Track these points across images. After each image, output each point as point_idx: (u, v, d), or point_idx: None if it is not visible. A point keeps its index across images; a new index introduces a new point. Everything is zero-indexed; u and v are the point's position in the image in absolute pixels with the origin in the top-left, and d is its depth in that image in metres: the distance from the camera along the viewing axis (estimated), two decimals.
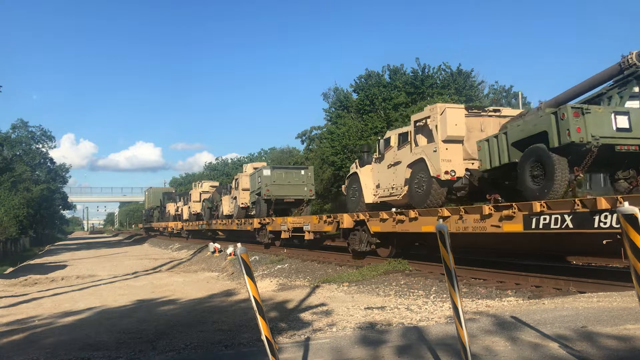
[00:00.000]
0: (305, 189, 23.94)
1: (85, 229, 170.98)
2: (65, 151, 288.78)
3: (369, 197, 15.84)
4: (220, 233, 35.13)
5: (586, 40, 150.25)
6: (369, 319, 7.84)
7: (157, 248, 42.76)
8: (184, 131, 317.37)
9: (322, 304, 9.59)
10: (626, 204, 3.31)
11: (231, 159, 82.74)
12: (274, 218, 22.77)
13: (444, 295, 9.56)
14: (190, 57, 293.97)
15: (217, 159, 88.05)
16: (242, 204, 27.94)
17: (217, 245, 25.19)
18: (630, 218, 3.16)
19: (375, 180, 15.80)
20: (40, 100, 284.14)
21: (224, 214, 31.08)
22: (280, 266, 17.26)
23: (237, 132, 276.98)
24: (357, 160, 17.72)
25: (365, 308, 8.82)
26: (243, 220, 26.04)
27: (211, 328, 8.13)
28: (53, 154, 59.97)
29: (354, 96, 39.84)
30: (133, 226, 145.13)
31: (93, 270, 22.27)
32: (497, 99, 40.68)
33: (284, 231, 20.77)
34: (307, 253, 19.57)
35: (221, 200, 31.87)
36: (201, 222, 35.18)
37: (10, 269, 27.98)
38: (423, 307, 8.59)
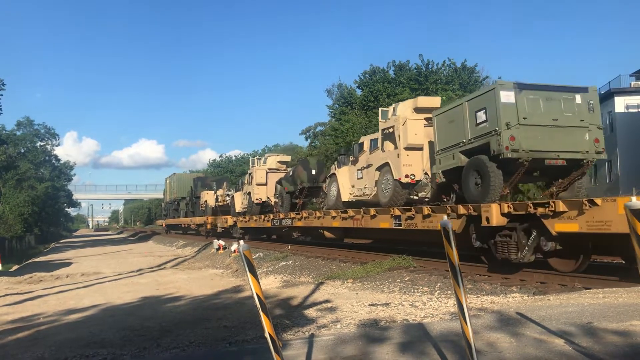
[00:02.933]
0: (587, 136, 10.92)
1: (90, 226, 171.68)
2: (68, 149, 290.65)
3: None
4: (328, 234, 19.19)
5: (588, 39, 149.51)
6: (373, 315, 7.82)
7: (161, 245, 42.89)
8: (185, 128, 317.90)
9: (326, 301, 9.58)
10: (634, 199, 3.27)
11: (235, 156, 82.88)
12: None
13: (449, 292, 9.53)
14: (192, 54, 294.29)
15: (220, 156, 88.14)
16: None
17: (222, 242, 25.22)
18: (638, 213, 3.13)
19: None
20: (43, 99, 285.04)
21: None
22: (284, 263, 17.27)
23: (240, 129, 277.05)
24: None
25: (369, 305, 8.80)
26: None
27: (215, 325, 8.13)
28: (57, 152, 59.56)
29: (358, 92, 39.78)
30: (138, 223, 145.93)
31: (98, 268, 22.35)
32: None
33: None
34: (311, 249, 19.57)
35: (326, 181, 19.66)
36: (277, 216, 22.47)
37: (16, 267, 28.14)
38: (427, 304, 8.56)
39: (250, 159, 27.39)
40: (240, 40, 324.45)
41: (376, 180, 15.19)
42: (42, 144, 56.93)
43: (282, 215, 21.71)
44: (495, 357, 4.46)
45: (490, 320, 5.97)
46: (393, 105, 15.53)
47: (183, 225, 45.33)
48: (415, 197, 14.34)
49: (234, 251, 20.87)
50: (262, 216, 24.20)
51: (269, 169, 25.92)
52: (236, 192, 29.84)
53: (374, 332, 5.96)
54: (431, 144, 13.23)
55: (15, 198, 45.05)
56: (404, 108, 14.66)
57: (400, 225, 13.15)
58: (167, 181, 55.25)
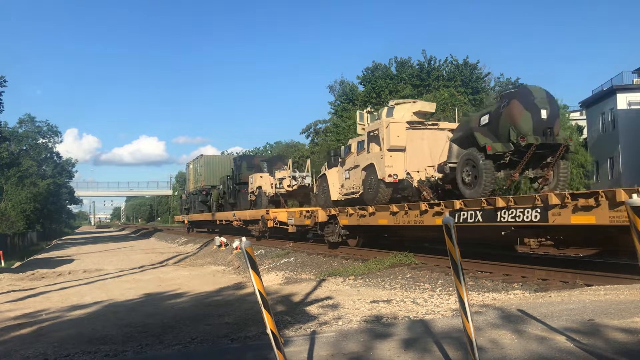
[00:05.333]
0: None
1: (92, 223, 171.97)
2: (69, 146, 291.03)
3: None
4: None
5: (591, 35, 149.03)
6: (375, 312, 7.83)
7: (163, 242, 42.94)
8: (186, 125, 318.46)
9: (328, 297, 9.60)
10: (634, 196, 3.27)
11: (236, 152, 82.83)
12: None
13: (450, 289, 9.54)
14: (192, 50, 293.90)
15: (222, 152, 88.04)
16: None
17: (223, 239, 25.25)
18: (638, 209, 3.13)
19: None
20: (43, 95, 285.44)
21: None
22: (286, 260, 17.29)
23: (241, 126, 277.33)
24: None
25: (371, 301, 8.82)
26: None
27: (217, 322, 8.15)
28: (58, 149, 59.41)
29: (360, 89, 39.74)
30: (140, 220, 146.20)
31: (100, 264, 22.40)
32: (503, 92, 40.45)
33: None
34: (312, 246, 19.60)
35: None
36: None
37: (18, 263, 28.22)
38: (429, 301, 8.57)
39: (358, 114, 17.64)
40: (241, 37, 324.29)
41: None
42: (44, 141, 57.01)
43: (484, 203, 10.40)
44: (497, 354, 4.46)
45: (491, 317, 5.97)
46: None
47: (218, 222, 31.89)
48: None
49: (236, 248, 20.90)
50: (407, 206, 12.97)
51: (408, 123, 15.10)
52: (329, 168, 18.64)
53: (376, 328, 5.97)
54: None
55: (18, 195, 45.13)
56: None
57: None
58: (190, 167, 42.87)
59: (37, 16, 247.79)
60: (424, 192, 13.94)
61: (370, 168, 15.38)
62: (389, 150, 14.58)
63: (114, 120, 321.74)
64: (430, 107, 16.61)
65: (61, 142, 59.44)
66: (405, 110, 15.68)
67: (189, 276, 16.50)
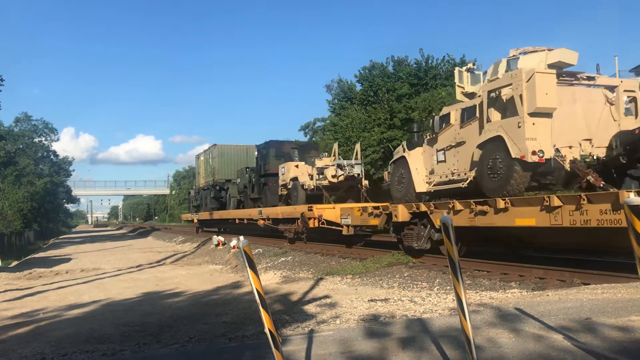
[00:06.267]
0: None
1: (90, 222, 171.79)
2: (66, 145, 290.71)
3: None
4: None
5: (589, 34, 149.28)
6: (373, 311, 7.84)
7: (160, 241, 42.90)
8: (182, 124, 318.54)
9: (326, 296, 9.60)
10: (632, 195, 3.28)
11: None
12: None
13: (448, 287, 9.55)
14: (189, 49, 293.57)
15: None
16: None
17: (221, 238, 25.23)
18: (635, 209, 3.14)
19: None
20: (40, 94, 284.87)
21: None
22: (284, 259, 17.29)
23: (237, 125, 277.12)
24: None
25: (368, 300, 8.82)
26: None
27: (215, 321, 8.15)
28: (54, 147, 59.08)
29: (358, 87, 39.73)
30: (137, 219, 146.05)
31: (97, 264, 22.38)
32: None
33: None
34: (310, 246, 19.60)
35: None
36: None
37: (15, 263, 28.15)
38: (427, 299, 8.58)
39: (457, 72, 13.82)
40: (238, 36, 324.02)
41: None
42: (40, 139, 56.83)
43: None
44: (494, 352, 4.47)
45: (489, 316, 5.98)
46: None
47: (237, 221, 27.60)
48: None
49: (234, 247, 20.88)
50: (585, 197, 8.77)
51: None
52: (410, 149, 14.48)
53: (374, 327, 5.97)
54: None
55: (15, 194, 45.02)
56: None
57: None
58: (201, 159, 38.30)
59: (34, 15, 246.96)
60: (589, 177, 9.85)
61: (493, 143, 11.03)
62: (532, 115, 10.20)
63: (111, 119, 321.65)
64: (571, 57, 11.42)
65: (57, 140, 59.15)
66: (535, 62, 11.10)
67: (186, 275, 16.49)
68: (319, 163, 20.81)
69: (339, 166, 19.46)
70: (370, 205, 15.41)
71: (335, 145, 21.19)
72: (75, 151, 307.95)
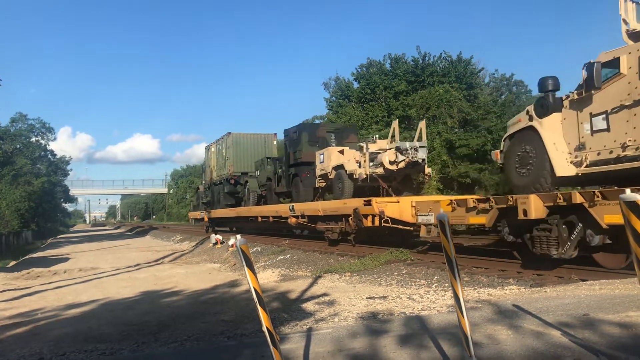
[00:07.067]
0: None
1: (87, 221, 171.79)
2: (63, 144, 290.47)
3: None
4: None
5: (586, 28, 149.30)
6: (371, 308, 7.85)
7: (159, 240, 42.88)
8: (179, 122, 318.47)
9: (324, 294, 9.61)
10: (628, 191, 3.27)
11: None
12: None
13: (446, 284, 9.57)
14: (186, 48, 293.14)
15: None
16: None
17: (219, 237, 25.23)
18: (632, 205, 3.14)
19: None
20: (37, 94, 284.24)
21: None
22: (282, 257, 17.29)
23: (235, 123, 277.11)
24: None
25: (367, 298, 8.83)
26: None
27: (214, 319, 8.15)
28: (52, 147, 58.86)
29: (355, 85, 39.74)
30: (135, 218, 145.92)
31: (95, 263, 22.36)
32: (498, 88, 40.56)
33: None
34: (308, 243, 19.60)
35: None
36: None
37: (13, 263, 28.13)
38: (425, 297, 8.60)
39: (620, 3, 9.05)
40: (235, 34, 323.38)
41: None
42: (37, 139, 56.69)
43: None
44: (493, 349, 4.48)
45: (487, 313, 5.99)
46: None
47: (260, 220, 24.08)
48: None
49: (232, 246, 20.86)
50: None
51: None
52: (543, 116, 10.41)
53: (372, 325, 5.97)
54: None
55: (12, 194, 44.91)
56: None
57: None
58: (212, 150, 34.64)
59: (30, 15, 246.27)
60: None
61: None
62: None
63: (107, 118, 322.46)
64: None
65: (55, 139, 59.01)
66: None
67: (184, 274, 16.48)
68: (373, 146, 16.80)
69: (399, 150, 15.65)
70: (471, 197, 11.69)
71: (395, 124, 16.87)
72: (72, 150, 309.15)
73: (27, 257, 32.45)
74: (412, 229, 14.04)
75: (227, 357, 5.05)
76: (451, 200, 11.68)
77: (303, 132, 21.19)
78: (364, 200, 14.84)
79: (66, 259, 26.22)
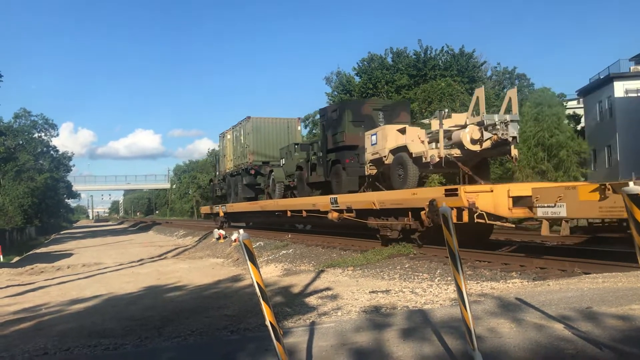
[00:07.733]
0: None
1: (91, 217, 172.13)
2: (65, 140, 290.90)
3: None
4: None
5: (588, 22, 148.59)
6: (374, 302, 7.85)
7: (162, 235, 42.96)
8: (182, 118, 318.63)
9: (327, 288, 9.62)
10: (631, 184, 3.26)
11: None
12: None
13: (449, 278, 9.56)
14: (188, 43, 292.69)
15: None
16: None
17: (222, 232, 25.26)
18: (635, 198, 3.13)
19: None
20: (38, 90, 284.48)
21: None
22: (285, 251, 17.32)
23: (237, 118, 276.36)
24: None
25: (370, 292, 8.84)
26: None
27: (217, 314, 8.17)
28: (54, 143, 59.02)
29: (357, 80, 39.67)
30: (138, 214, 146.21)
31: (99, 258, 22.42)
32: (500, 81, 40.44)
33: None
34: (311, 238, 19.61)
35: None
36: None
37: (17, 258, 28.24)
38: (428, 290, 8.60)
39: None
40: (236, 29, 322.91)
41: None
42: (40, 135, 56.81)
43: None
44: (495, 342, 4.48)
45: (490, 306, 5.99)
46: None
47: (289, 215, 20.56)
48: None
49: (235, 240, 20.87)
50: None
51: None
52: None
53: (375, 318, 5.98)
54: None
55: (15, 190, 45.06)
56: None
57: None
58: (228, 137, 31.05)
59: (32, 10, 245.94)
60: None
61: None
62: None
63: (109, 114, 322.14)
64: None
65: (57, 135, 59.12)
66: None
67: (188, 269, 16.52)
68: (448, 123, 13.34)
69: (483, 125, 12.19)
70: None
71: (480, 91, 12.78)
72: (74, 146, 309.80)
73: (30, 252, 32.56)
74: (505, 224, 11.44)
75: (230, 351, 5.06)
76: (601, 185, 8.38)
77: (346, 110, 17.67)
78: (446, 190, 11.76)
79: (69, 255, 26.30)
